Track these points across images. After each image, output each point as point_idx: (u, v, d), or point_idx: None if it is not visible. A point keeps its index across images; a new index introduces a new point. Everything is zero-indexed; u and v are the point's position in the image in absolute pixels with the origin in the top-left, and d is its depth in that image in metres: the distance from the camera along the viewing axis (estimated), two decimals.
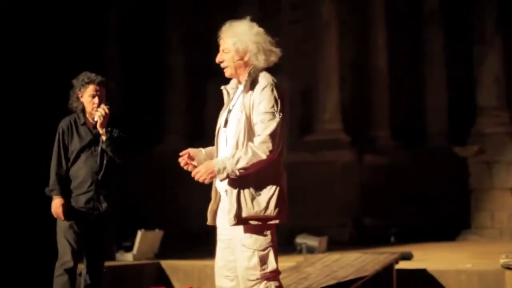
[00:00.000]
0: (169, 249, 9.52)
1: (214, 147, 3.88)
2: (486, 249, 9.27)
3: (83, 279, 5.32)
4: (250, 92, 3.67)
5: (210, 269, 8.52)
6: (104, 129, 5.24)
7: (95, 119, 5.24)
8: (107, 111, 5.22)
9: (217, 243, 3.88)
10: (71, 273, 5.22)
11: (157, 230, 9.40)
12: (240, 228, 3.65)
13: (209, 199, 3.93)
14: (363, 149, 12.53)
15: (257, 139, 3.59)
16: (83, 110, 5.37)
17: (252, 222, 3.61)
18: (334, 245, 9.61)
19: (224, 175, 3.59)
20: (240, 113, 3.65)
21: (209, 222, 3.89)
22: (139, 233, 9.06)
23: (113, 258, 8.82)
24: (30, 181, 7.81)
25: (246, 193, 3.62)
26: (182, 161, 3.83)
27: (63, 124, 5.35)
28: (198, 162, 3.80)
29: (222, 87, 3.90)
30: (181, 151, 3.91)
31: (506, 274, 6.83)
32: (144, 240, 9.08)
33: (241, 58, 3.74)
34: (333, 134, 12.24)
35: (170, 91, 13.77)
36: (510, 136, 12.01)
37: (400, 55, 13.28)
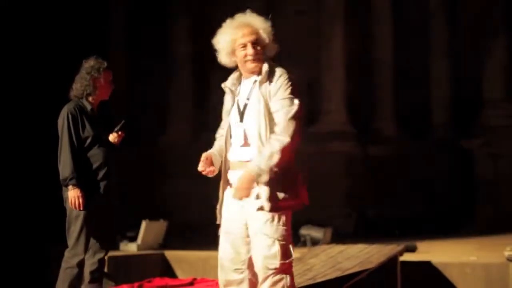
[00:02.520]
0: (173, 240, 9.52)
1: (221, 145, 3.90)
2: (490, 242, 9.25)
3: (88, 271, 5.30)
4: (265, 82, 3.72)
5: (214, 259, 8.47)
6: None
7: (110, 139, 5.25)
8: (119, 139, 5.25)
9: (223, 236, 3.92)
10: (81, 266, 5.21)
11: (161, 221, 9.40)
12: (260, 217, 3.69)
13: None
14: (368, 140, 12.51)
15: (279, 125, 3.63)
16: (88, 96, 5.34)
17: (279, 208, 3.67)
18: (338, 237, 9.60)
19: (266, 176, 3.63)
20: (258, 104, 3.68)
21: (219, 221, 3.94)
22: (144, 224, 9.06)
23: (117, 248, 8.84)
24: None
25: (275, 179, 3.66)
26: (202, 167, 3.93)
27: (72, 111, 5.23)
28: (215, 165, 3.90)
29: (223, 85, 3.95)
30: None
31: (510, 267, 6.83)
32: (149, 231, 9.08)
33: (262, 50, 3.81)
34: (338, 126, 12.22)
35: (175, 82, 13.75)
36: None
37: (405, 47, 13.23)
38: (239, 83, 3.90)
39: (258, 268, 3.72)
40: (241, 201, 3.75)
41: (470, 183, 11.86)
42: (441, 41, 13.24)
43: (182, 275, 8.48)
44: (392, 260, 6.97)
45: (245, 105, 3.78)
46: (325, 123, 12.24)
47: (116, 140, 5.27)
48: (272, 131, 3.65)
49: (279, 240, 3.69)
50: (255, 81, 3.77)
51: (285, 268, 3.71)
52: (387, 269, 6.90)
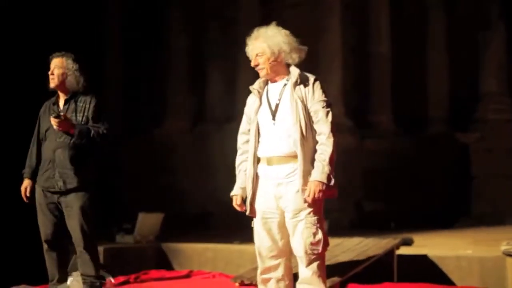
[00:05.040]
0: (169, 232, 9.52)
1: (241, 177, 4.34)
2: (486, 236, 9.26)
3: (77, 261, 5.37)
4: (299, 85, 4.20)
5: (211, 252, 8.54)
6: (72, 128, 5.19)
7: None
8: (55, 122, 5.17)
9: (261, 226, 4.27)
10: (53, 247, 5.30)
11: (158, 213, 9.40)
12: (306, 207, 4.11)
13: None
14: (365, 133, 12.51)
15: (323, 125, 4.16)
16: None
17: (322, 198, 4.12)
18: (335, 230, 9.60)
19: (332, 180, 4.14)
20: (296, 104, 4.14)
21: (250, 213, 4.31)
22: (140, 216, 9.06)
23: (113, 241, 8.84)
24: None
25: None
26: (239, 208, 4.36)
27: (43, 107, 5.47)
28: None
29: (252, 88, 4.37)
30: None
31: (507, 261, 6.84)
32: (145, 223, 9.08)
33: (276, 59, 4.25)
34: (335, 118, 12.19)
35: (171, 74, 13.73)
36: None
37: (403, 40, 13.23)
38: (265, 86, 4.34)
39: (302, 253, 4.15)
40: (281, 192, 4.15)
41: (466, 177, 11.88)
42: (438, 35, 13.24)
43: (179, 267, 8.48)
44: (389, 254, 6.98)
45: (277, 105, 4.21)
46: None
47: (56, 125, 5.22)
48: (311, 128, 4.15)
49: (321, 229, 4.16)
50: (285, 84, 4.25)
51: (323, 252, 4.19)
52: (384, 263, 6.91)
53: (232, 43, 13.26)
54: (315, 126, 4.18)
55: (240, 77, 13.15)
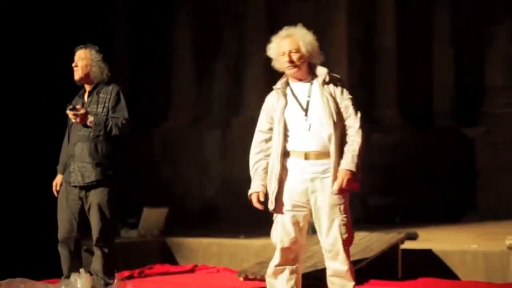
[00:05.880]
0: (174, 226, 9.53)
1: (262, 169, 4.41)
2: (491, 230, 9.24)
3: (93, 258, 5.34)
4: (327, 84, 4.39)
5: (215, 246, 8.55)
6: (90, 118, 5.16)
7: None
8: (71, 115, 5.16)
9: (287, 218, 4.35)
10: (67, 243, 5.27)
11: (162, 207, 9.40)
12: (337, 200, 4.31)
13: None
14: (370, 128, 12.47)
15: (354, 120, 4.35)
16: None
17: (349, 191, 4.36)
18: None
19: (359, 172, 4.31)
20: (327, 100, 4.32)
21: (274, 210, 4.37)
22: (144, 210, 9.07)
23: (118, 235, 8.85)
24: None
25: None
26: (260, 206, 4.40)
27: (73, 101, 5.41)
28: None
29: (276, 87, 4.48)
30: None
31: (511, 255, 6.83)
32: (149, 217, 9.10)
33: (306, 58, 4.43)
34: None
35: (177, 68, 13.73)
36: None
37: (408, 34, 13.18)
38: (288, 85, 4.47)
39: (339, 248, 4.32)
40: (316, 187, 4.30)
41: (471, 171, 11.84)
42: (444, 28, 13.19)
43: (183, 262, 8.49)
44: (393, 248, 6.98)
45: (308, 102, 4.36)
46: None
47: (73, 118, 5.21)
48: (340, 124, 4.31)
49: (348, 219, 4.37)
50: (311, 83, 4.41)
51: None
52: (388, 257, 6.90)
53: (239, 37, 13.26)
54: (346, 121, 4.36)
55: (246, 72, 13.14)
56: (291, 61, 4.38)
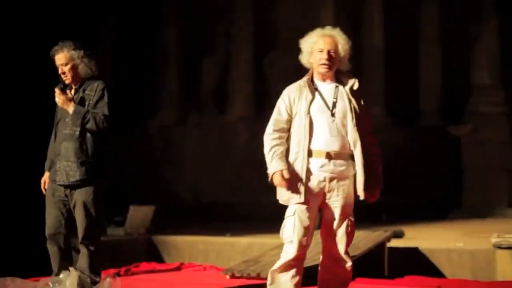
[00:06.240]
0: (161, 224, 9.50)
1: (281, 152, 4.41)
2: (477, 228, 9.28)
3: (79, 256, 5.31)
4: (354, 90, 4.51)
5: (202, 244, 8.53)
6: (70, 105, 5.13)
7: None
8: (57, 93, 5.15)
9: (308, 214, 4.39)
10: (56, 241, 5.25)
11: (149, 206, 9.38)
12: (350, 202, 4.51)
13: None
14: None
15: (370, 124, 4.57)
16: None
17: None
18: None
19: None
20: (353, 105, 4.44)
21: (302, 200, 4.37)
22: (131, 208, 9.04)
23: (104, 233, 8.81)
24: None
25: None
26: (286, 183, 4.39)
27: None
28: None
29: (302, 85, 4.48)
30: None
31: (497, 254, 6.86)
32: (136, 215, 9.07)
33: (338, 62, 4.50)
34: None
35: (164, 66, 13.70)
36: (504, 115, 11.99)
37: (396, 33, 13.21)
38: (313, 83, 4.51)
39: (343, 250, 4.51)
40: (333, 187, 4.41)
41: (457, 170, 11.89)
42: (431, 27, 13.23)
43: (170, 260, 8.47)
44: (380, 246, 6.99)
45: (334, 103, 4.43)
46: None
47: (56, 97, 5.18)
48: (362, 132, 4.45)
49: (354, 220, 4.61)
50: (337, 86, 4.49)
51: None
52: (375, 255, 6.91)
53: (226, 35, 13.24)
54: (366, 133, 4.51)
55: (233, 68, 13.13)
56: (328, 60, 4.44)
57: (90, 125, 5.09)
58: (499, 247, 6.82)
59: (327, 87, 4.50)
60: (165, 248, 8.70)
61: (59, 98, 5.12)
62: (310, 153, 4.39)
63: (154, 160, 12.95)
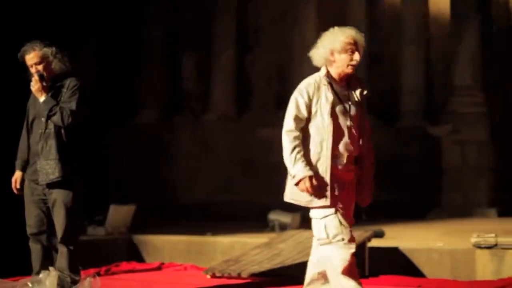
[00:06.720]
0: (142, 224, 9.47)
1: (303, 154, 4.27)
2: (457, 228, 9.33)
3: (58, 255, 5.29)
4: (362, 95, 4.52)
5: (183, 244, 8.51)
6: (43, 94, 5.12)
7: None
8: (34, 79, 5.11)
9: (341, 215, 4.40)
10: (37, 240, 5.24)
11: (129, 205, 9.34)
12: (353, 199, 4.54)
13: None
14: None
15: (368, 127, 4.58)
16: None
17: None
18: (307, 222, 9.59)
19: None
20: (361, 110, 4.49)
21: (329, 203, 4.32)
22: (111, 208, 9.00)
23: (84, 232, 8.76)
24: None
25: None
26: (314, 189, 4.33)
27: (30, 98, 5.32)
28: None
29: (323, 83, 4.38)
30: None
31: (477, 253, 6.89)
32: (116, 215, 9.03)
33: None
34: None
35: (146, 64, 13.65)
36: (484, 116, 12.07)
37: (377, 32, 13.24)
38: (330, 84, 4.41)
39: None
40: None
41: (437, 170, 11.94)
42: (412, 26, 13.25)
43: (150, 260, 8.44)
44: (360, 246, 6.99)
45: (350, 106, 4.41)
46: None
47: (32, 83, 5.15)
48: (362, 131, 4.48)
49: None
50: (348, 90, 4.45)
51: None
52: (356, 255, 6.91)
53: (208, 33, 13.20)
54: (366, 140, 4.53)
55: (214, 68, 13.10)
56: (357, 60, 4.42)
57: (56, 118, 5.08)
58: (478, 247, 6.85)
59: (341, 90, 4.45)
60: (146, 248, 8.67)
61: (35, 84, 5.09)
62: (333, 155, 4.31)
63: (135, 159, 12.89)
